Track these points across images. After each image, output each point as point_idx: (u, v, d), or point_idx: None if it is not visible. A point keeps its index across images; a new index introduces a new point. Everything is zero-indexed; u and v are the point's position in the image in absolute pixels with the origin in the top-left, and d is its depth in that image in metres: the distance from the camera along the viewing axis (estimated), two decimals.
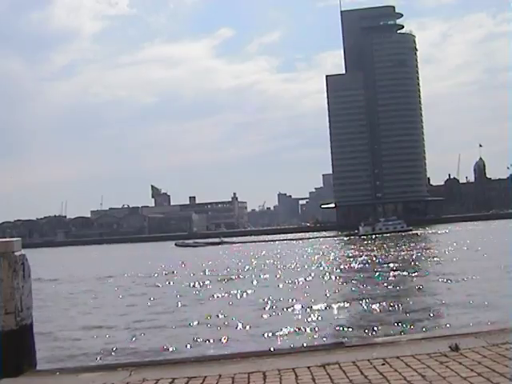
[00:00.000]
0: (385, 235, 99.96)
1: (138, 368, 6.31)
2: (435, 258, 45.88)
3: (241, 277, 38.35)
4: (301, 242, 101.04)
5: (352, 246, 74.59)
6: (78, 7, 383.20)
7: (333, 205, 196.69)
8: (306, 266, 44.31)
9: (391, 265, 40.22)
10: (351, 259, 50.57)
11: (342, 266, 43.62)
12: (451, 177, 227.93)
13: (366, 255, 54.07)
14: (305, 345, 10.77)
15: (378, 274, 34.17)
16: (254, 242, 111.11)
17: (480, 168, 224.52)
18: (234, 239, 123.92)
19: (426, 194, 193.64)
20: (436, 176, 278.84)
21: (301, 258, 57.31)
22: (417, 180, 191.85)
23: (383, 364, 5.62)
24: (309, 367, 5.71)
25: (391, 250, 60.46)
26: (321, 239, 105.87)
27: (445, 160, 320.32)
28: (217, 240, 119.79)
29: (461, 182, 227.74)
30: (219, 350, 15.14)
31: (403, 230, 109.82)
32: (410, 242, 74.47)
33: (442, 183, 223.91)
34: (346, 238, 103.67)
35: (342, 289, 29.18)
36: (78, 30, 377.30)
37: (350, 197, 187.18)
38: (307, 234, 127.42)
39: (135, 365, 6.65)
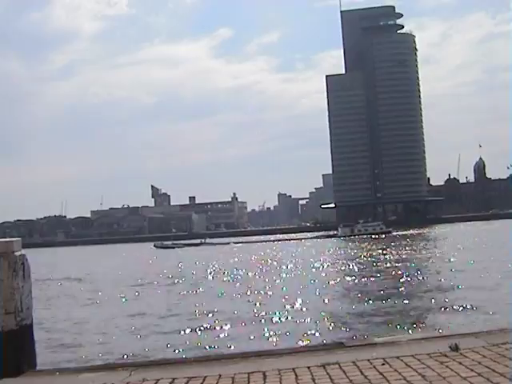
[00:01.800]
0: (363, 236, 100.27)
1: (138, 368, 6.31)
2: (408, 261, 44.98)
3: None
4: (292, 242, 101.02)
5: (323, 246, 75.36)
6: (77, 7, 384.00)
7: (333, 205, 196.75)
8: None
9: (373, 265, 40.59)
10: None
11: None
12: (451, 177, 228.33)
13: (336, 256, 54.50)
14: (305, 345, 10.79)
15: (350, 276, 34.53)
16: (240, 242, 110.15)
17: (480, 168, 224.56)
18: (216, 240, 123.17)
19: (426, 194, 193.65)
20: (436, 176, 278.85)
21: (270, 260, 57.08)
22: (417, 180, 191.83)
23: (383, 364, 5.61)
24: (309, 367, 5.70)
25: (369, 250, 60.58)
26: (301, 240, 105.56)
27: (445, 160, 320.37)
28: (197, 241, 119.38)
29: (461, 182, 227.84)
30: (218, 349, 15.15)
31: (382, 232, 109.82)
32: (384, 243, 73.29)
33: (442, 183, 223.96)
34: (327, 239, 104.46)
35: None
36: (78, 30, 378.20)
37: (349, 197, 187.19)
38: (286, 236, 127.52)
39: (135, 365, 6.66)
